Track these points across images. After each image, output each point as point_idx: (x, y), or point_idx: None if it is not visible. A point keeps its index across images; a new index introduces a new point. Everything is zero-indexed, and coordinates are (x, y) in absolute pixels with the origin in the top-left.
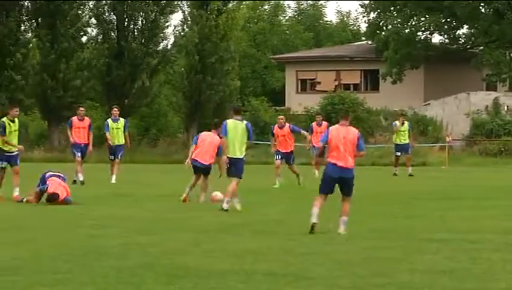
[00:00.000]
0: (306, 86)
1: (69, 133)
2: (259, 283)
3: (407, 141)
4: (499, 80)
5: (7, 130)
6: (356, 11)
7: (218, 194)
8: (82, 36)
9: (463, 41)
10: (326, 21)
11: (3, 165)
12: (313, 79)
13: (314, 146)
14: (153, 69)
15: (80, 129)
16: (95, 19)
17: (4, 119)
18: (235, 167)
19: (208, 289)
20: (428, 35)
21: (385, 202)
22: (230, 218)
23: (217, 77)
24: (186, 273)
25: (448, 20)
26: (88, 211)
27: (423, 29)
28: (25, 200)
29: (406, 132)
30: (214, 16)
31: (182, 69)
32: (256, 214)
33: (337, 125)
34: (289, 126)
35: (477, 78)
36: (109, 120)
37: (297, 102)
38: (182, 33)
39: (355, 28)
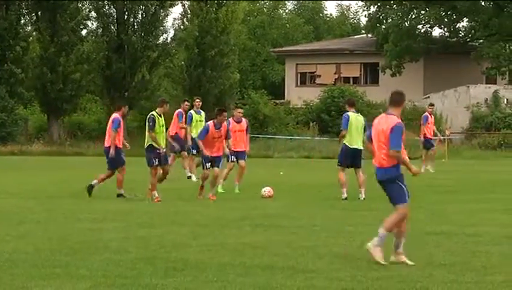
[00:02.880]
0: (306, 79)
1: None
2: (258, 276)
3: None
4: (498, 73)
5: None
6: (356, 4)
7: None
8: (82, 29)
9: (463, 34)
10: (326, 14)
11: None
12: (313, 72)
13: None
14: (153, 62)
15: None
16: (95, 12)
17: None
18: (355, 158)
19: (207, 282)
20: (429, 29)
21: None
22: (230, 212)
23: (216, 70)
24: (185, 267)
25: (449, 13)
26: (88, 204)
27: (423, 22)
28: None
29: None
30: (214, 9)
31: (182, 62)
32: (256, 208)
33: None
34: (246, 122)
35: (476, 71)
36: (192, 112)
37: (297, 95)
38: (182, 26)
39: (355, 21)
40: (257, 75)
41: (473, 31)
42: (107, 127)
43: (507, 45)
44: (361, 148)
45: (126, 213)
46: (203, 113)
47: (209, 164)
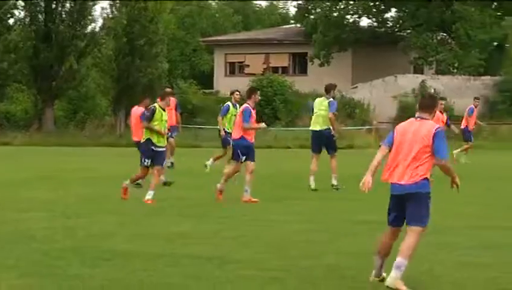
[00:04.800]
0: (235, 69)
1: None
2: (187, 266)
3: None
4: (425, 63)
5: None
6: None
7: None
8: (9, 18)
9: (391, 24)
10: (256, 4)
11: None
12: (242, 62)
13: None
14: (81, 51)
15: None
16: (23, 1)
17: None
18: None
19: (135, 272)
20: (357, 19)
21: (317, 185)
22: (158, 201)
23: (145, 60)
24: (113, 256)
25: (377, 3)
26: (14, 194)
27: (351, 12)
28: None
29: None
30: None
31: (110, 51)
32: (183, 197)
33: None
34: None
35: (404, 61)
36: (229, 104)
37: (225, 85)
38: (111, 15)
39: (284, 11)
40: (186, 64)
41: (400, 21)
42: (134, 122)
43: (434, 35)
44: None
45: (52, 202)
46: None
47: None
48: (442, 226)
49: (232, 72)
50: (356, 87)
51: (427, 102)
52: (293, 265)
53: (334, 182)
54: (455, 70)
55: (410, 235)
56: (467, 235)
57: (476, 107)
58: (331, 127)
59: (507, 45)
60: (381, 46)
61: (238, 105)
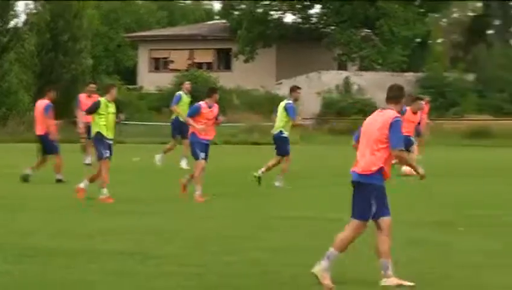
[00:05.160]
0: (159, 64)
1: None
2: (108, 262)
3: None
4: (349, 59)
5: None
6: None
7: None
8: None
9: (315, 21)
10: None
11: None
12: (166, 58)
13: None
14: (4, 47)
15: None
16: None
17: None
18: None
19: (57, 268)
20: (281, 15)
21: (238, 182)
22: (78, 199)
23: (69, 55)
24: (35, 253)
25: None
26: None
27: (276, 8)
28: None
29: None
30: None
31: (33, 47)
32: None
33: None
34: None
35: (328, 57)
36: (181, 93)
37: (149, 81)
38: (34, 10)
39: (209, 7)
40: (110, 60)
41: (325, 17)
42: (38, 115)
43: (358, 32)
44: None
45: None
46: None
47: None
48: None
49: (156, 68)
50: (281, 83)
51: (393, 93)
52: (214, 261)
53: (259, 175)
54: (379, 67)
55: (347, 227)
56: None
57: (426, 104)
58: (282, 130)
59: (430, 42)
60: (306, 42)
61: (189, 94)
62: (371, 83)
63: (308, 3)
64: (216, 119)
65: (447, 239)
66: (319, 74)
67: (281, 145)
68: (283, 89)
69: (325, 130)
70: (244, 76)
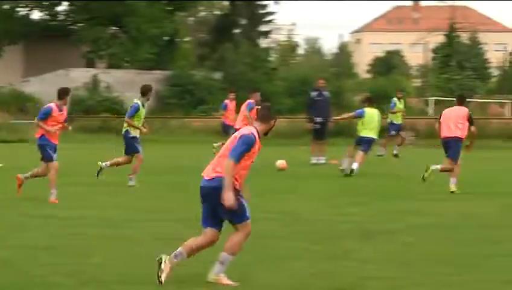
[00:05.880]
0: None
1: None
2: None
3: (400, 121)
4: (96, 56)
5: None
6: None
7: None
8: None
9: (64, 18)
10: None
11: None
12: None
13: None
14: None
15: None
16: None
17: None
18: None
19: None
20: (29, 12)
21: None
22: None
23: None
24: None
25: None
26: None
27: (23, 5)
28: None
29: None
30: None
31: None
32: None
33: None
34: None
35: (77, 54)
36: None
37: None
38: None
39: None
40: None
41: (72, 14)
42: None
43: (106, 29)
44: None
45: None
46: None
47: None
48: (121, 220)
49: None
50: (28, 80)
51: (260, 112)
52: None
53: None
54: (127, 65)
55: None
56: (141, 227)
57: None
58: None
59: (178, 40)
60: (54, 39)
61: None
62: (119, 80)
63: (56, 0)
64: None
65: None
66: (67, 71)
67: (130, 144)
68: (30, 87)
69: (76, 129)
70: None
